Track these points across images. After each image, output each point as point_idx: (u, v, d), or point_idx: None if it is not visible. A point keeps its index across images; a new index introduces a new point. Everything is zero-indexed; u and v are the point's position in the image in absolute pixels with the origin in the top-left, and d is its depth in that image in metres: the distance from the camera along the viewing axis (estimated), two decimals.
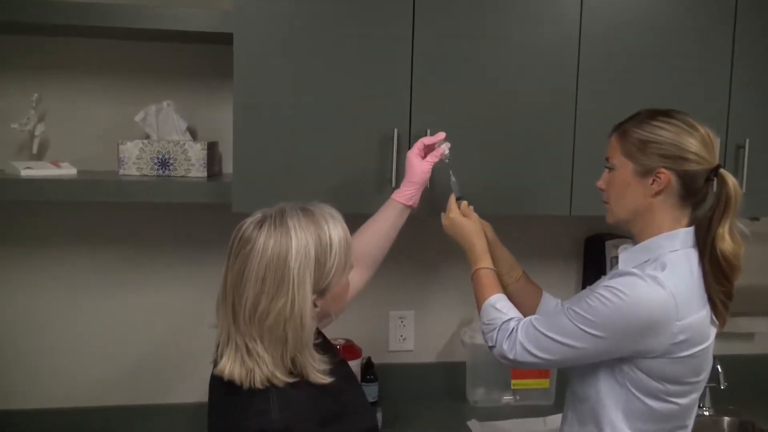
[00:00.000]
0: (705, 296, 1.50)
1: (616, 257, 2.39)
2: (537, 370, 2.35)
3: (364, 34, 1.93)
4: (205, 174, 2.03)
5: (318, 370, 1.37)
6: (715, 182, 1.52)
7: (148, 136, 2.08)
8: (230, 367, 1.35)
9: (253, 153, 1.90)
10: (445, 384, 2.44)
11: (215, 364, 1.38)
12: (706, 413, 2.48)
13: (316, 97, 1.93)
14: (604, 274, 2.42)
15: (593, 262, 2.52)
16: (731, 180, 1.50)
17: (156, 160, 2.01)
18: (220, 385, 1.40)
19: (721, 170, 1.51)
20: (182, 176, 2.02)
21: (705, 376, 1.56)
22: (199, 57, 2.20)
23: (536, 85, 2.05)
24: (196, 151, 2.02)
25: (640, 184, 1.55)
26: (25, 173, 1.88)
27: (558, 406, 2.28)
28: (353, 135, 1.95)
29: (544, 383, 2.36)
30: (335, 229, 1.37)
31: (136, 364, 2.27)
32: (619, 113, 2.04)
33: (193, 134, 2.16)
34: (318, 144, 1.94)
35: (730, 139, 2.16)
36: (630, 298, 1.44)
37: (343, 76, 1.92)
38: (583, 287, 2.53)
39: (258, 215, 1.38)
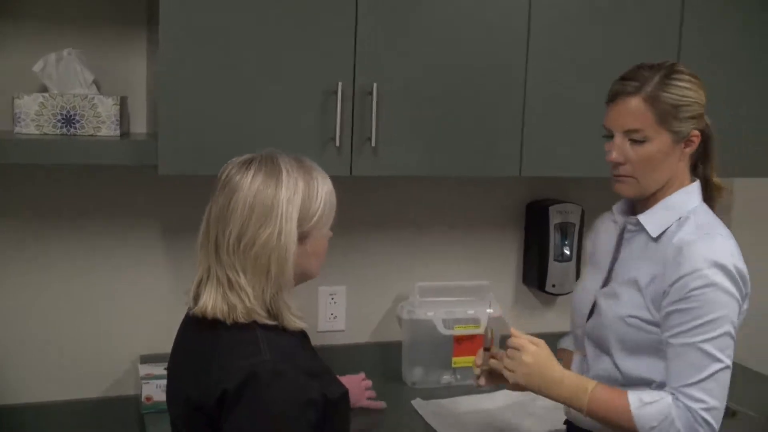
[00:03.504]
0: None
1: (561, 223, 2.70)
2: (477, 341, 2.47)
3: None
4: (118, 132, 2.10)
5: (293, 315, 1.56)
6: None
7: (47, 89, 2.10)
8: (212, 303, 1.52)
9: (180, 110, 1.97)
10: (380, 366, 2.56)
11: (189, 309, 1.57)
12: None
13: (250, 49, 2.02)
14: (548, 240, 2.72)
15: (536, 229, 2.73)
16: (711, 123, 1.69)
17: (59, 117, 2.05)
18: (198, 328, 1.57)
19: (705, 116, 1.68)
20: (91, 135, 2.07)
21: None
22: (107, 1, 2.24)
23: (486, 37, 2.21)
24: (107, 107, 2.08)
25: (675, 151, 1.63)
26: None
27: None
28: (293, 89, 2.06)
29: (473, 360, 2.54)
30: (324, 181, 1.58)
31: (28, 353, 2.30)
32: (570, 69, 2.29)
33: (99, 88, 2.19)
34: (253, 100, 2.04)
35: None
36: (714, 261, 1.54)
37: (280, 25, 2.02)
38: (525, 254, 2.81)
39: (245, 156, 1.57)
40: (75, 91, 2.10)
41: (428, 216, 2.68)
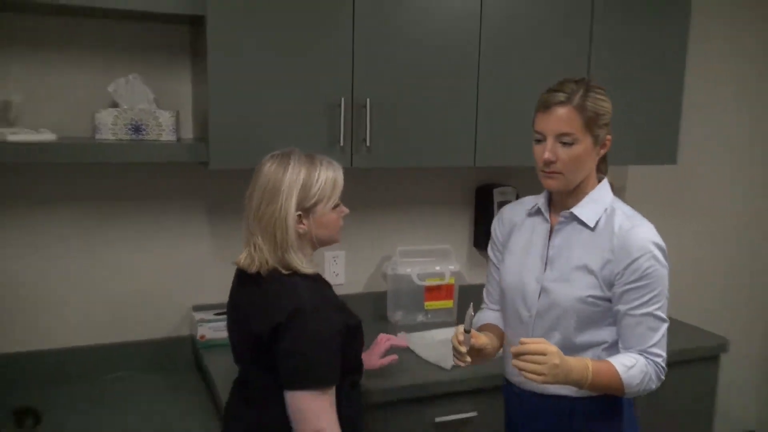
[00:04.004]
0: None
1: (502, 201, 2.61)
2: (443, 290, 2.55)
3: (312, 22, 2.00)
4: (174, 137, 2.08)
5: (305, 266, 1.59)
6: None
7: (117, 105, 2.06)
8: (243, 258, 1.62)
9: (225, 121, 1.96)
10: (371, 310, 2.57)
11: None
12: None
13: (276, 74, 1.99)
14: (492, 214, 2.63)
15: (483, 207, 2.70)
16: None
17: (130, 126, 2.02)
18: (248, 279, 1.62)
19: None
20: (154, 139, 2.04)
21: None
22: (160, 35, 2.19)
23: (446, 61, 2.18)
24: (166, 118, 2.05)
25: (593, 152, 1.55)
26: (11, 137, 1.84)
27: (459, 320, 2.44)
28: (308, 104, 2.04)
29: (449, 303, 2.57)
30: (327, 169, 1.60)
31: (106, 305, 2.26)
32: (511, 83, 2.28)
33: (158, 104, 2.15)
34: (279, 111, 2.02)
35: None
36: (653, 244, 1.51)
37: (298, 56, 2.01)
38: (475, 228, 2.78)
39: (273, 153, 1.62)
40: (141, 106, 2.07)
41: (406, 197, 2.66)
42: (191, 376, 2.24)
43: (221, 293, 2.28)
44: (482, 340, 1.61)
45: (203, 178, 2.32)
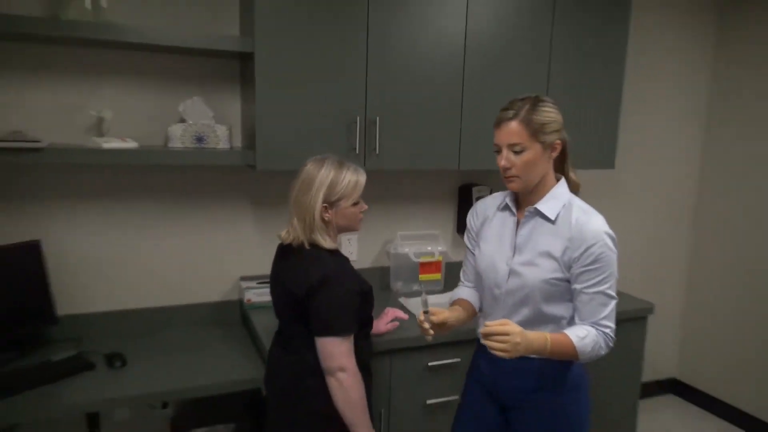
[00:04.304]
0: None
1: (479, 197, 2.61)
2: (433, 266, 2.58)
3: (336, 59, 2.05)
4: (228, 146, 2.14)
5: (327, 242, 1.63)
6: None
7: (184, 120, 2.13)
8: (284, 233, 1.69)
9: (269, 133, 2.01)
10: (377, 280, 2.61)
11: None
12: None
13: (308, 97, 2.04)
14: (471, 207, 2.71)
15: (464, 203, 2.70)
16: (566, 135, 1.58)
17: (194, 137, 2.08)
18: (289, 250, 1.68)
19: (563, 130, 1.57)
20: (213, 147, 2.10)
21: None
22: (217, 67, 2.24)
23: (438, 80, 2.21)
24: (222, 131, 2.13)
25: (545, 156, 1.51)
26: (105, 145, 1.92)
27: (447, 288, 2.53)
28: (333, 120, 2.09)
29: (438, 276, 2.60)
30: (352, 173, 1.64)
31: (174, 275, 2.33)
32: (490, 96, 2.27)
33: (215, 120, 2.19)
34: (310, 126, 2.06)
35: None
36: (613, 238, 1.49)
37: (324, 84, 2.05)
38: (458, 218, 2.76)
39: (315, 157, 1.68)
40: (203, 122, 2.12)
41: (406, 193, 2.67)
42: (239, 331, 2.30)
43: (262, 266, 2.40)
44: (442, 315, 1.58)
45: (249, 178, 2.37)
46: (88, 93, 2.09)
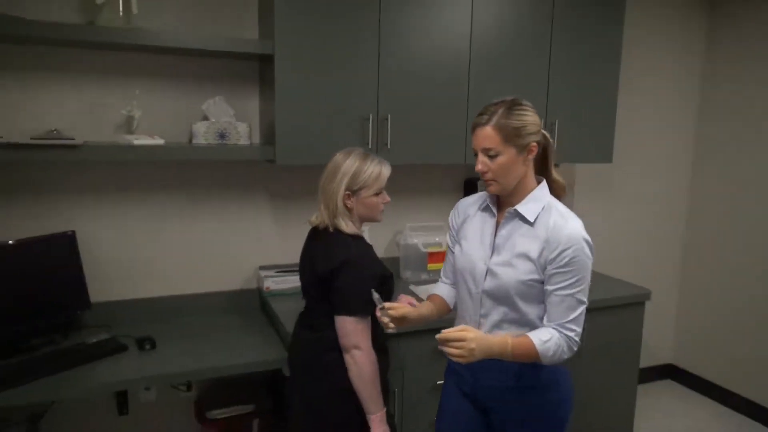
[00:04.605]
0: None
1: (483, 190, 2.71)
2: (440, 255, 2.60)
3: (350, 61, 2.16)
4: (248, 142, 2.24)
5: (349, 228, 1.70)
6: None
7: (207, 118, 2.23)
8: (314, 217, 1.78)
9: (288, 130, 2.12)
10: (389, 269, 2.69)
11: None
12: None
13: (324, 96, 2.14)
14: None
15: (469, 193, 2.47)
16: (548, 136, 1.57)
17: (217, 134, 2.18)
18: (318, 233, 1.77)
19: (543, 131, 1.55)
20: (234, 143, 2.20)
21: None
22: (238, 68, 2.34)
23: (443, 80, 2.31)
24: (243, 128, 2.22)
25: (520, 158, 1.49)
26: (136, 142, 2.02)
27: None
28: (347, 117, 2.19)
29: (441, 265, 2.47)
30: (375, 165, 1.71)
31: (198, 264, 2.43)
32: (494, 92, 2.16)
33: (235, 118, 2.27)
34: (326, 123, 2.16)
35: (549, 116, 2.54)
36: (588, 244, 1.47)
37: (340, 84, 2.15)
38: None
39: (344, 149, 1.75)
40: (224, 119, 2.21)
41: (415, 186, 2.73)
42: (259, 318, 2.41)
43: (279, 256, 2.51)
44: (401, 310, 1.57)
45: (267, 173, 2.48)
46: (117, 93, 2.21)
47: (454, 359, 1.40)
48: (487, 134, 1.47)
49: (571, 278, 1.46)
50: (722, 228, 3.42)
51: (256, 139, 2.43)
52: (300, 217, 2.56)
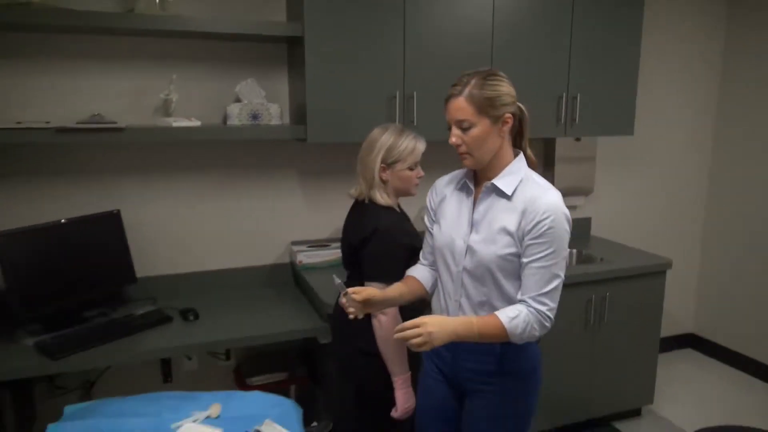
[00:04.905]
0: None
1: None
2: None
3: (377, 41, 2.22)
4: (280, 122, 2.32)
5: (384, 200, 1.77)
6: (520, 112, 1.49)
7: (240, 100, 2.30)
8: (354, 189, 1.85)
9: (318, 108, 2.19)
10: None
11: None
12: None
13: (352, 74, 2.20)
14: None
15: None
16: (525, 108, 1.50)
17: (250, 115, 2.27)
18: (354, 206, 1.87)
19: (518, 104, 1.48)
20: (267, 123, 2.29)
21: None
22: (267, 51, 2.41)
23: (466, 58, 2.37)
24: (275, 109, 2.31)
25: (495, 130, 1.44)
26: (175, 124, 2.12)
27: None
28: (375, 96, 2.25)
29: None
30: (410, 140, 1.77)
31: (234, 241, 2.53)
32: (517, 64, 2.42)
33: (266, 99, 2.35)
34: (355, 102, 2.22)
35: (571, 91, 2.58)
36: (565, 213, 1.42)
37: (365, 63, 2.21)
38: None
39: (382, 125, 1.81)
40: (256, 101, 2.30)
41: (439, 160, 2.45)
42: (293, 290, 2.53)
43: (310, 232, 2.60)
44: (365, 293, 1.51)
45: (296, 151, 2.57)
46: (156, 78, 2.30)
47: (416, 348, 1.35)
48: (460, 105, 1.42)
49: (547, 249, 1.41)
50: (744, 194, 3.44)
51: (286, 119, 2.51)
52: (329, 194, 2.66)
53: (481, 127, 1.42)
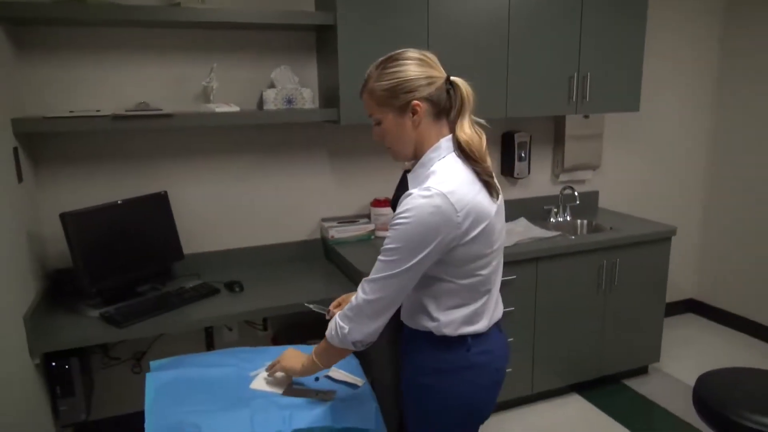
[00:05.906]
0: (476, 181, 1.29)
1: (520, 143, 2.90)
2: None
3: (402, 27, 2.32)
4: (313, 106, 2.46)
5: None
6: (452, 90, 1.32)
7: (275, 86, 2.43)
8: (408, 162, 1.75)
9: (350, 91, 2.29)
10: None
11: None
12: (569, 218, 3.12)
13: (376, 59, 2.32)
14: (514, 151, 2.92)
15: (507, 148, 3.01)
16: (462, 84, 1.32)
17: (285, 100, 2.40)
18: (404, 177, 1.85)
19: (453, 78, 1.32)
20: (301, 107, 2.42)
21: (498, 245, 1.37)
22: (298, 39, 2.53)
23: (482, 39, 2.48)
24: (308, 94, 2.44)
25: (405, 121, 1.31)
26: (217, 110, 2.25)
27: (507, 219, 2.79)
28: None
29: None
30: None
31: (269, 218, 2.66)
32: (532, 50, 2.54)
33: (299, 84, 2.47)
34: None
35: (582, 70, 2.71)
36: (415, 215, 1.23)
37: (391, 48, 2.10)
38: (502, 158, 3.03)
39: None
40: (290, 86, 2.42)
41: None
42: (325, 264, 2.66)
43: (339, 209, 2.74)
44: (347, 302, 1.47)
45: (328, 133, 2.70)
46: (197, 67, 2.44)
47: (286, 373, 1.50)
48: (365, 101, 1.35)
49: (388, 241, 1.27)
50: (746, 162, 3.54)
51: (317, 103, 2.64)
52: (356, 173, 2.81)
53: (386, 120, 1.32)
